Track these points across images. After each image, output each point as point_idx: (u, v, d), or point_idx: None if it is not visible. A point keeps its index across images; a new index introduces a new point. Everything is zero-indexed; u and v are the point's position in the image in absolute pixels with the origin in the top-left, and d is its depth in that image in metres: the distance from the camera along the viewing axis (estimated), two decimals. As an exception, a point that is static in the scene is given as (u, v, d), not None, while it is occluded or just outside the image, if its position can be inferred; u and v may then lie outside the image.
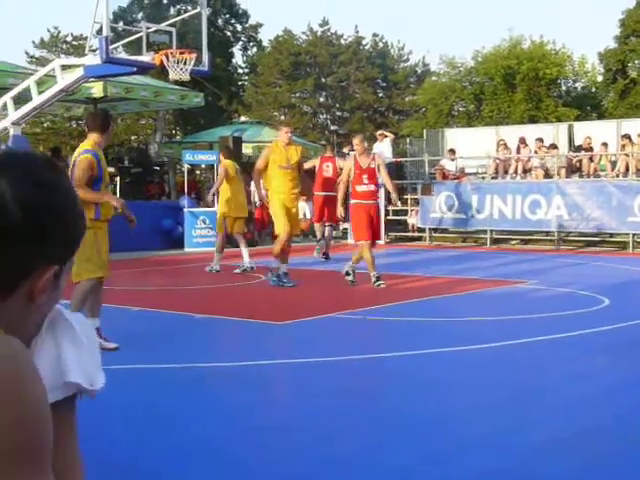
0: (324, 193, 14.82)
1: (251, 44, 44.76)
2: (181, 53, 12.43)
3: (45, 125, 35.79)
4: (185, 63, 12.31)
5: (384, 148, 20.40)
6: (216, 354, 6.40)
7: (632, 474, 3.72)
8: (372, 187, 10.86)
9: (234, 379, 5.65)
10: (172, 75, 12.37)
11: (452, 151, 20.82)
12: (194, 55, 12.54)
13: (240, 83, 45.58)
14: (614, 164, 18.81)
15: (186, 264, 14.55)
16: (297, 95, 48.09)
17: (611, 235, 18.08)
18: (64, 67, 14.29)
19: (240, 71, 46.12)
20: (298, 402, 5.08)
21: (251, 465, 3.84)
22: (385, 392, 5.33)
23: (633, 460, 3.88)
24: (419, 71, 49.67)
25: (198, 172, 22.43)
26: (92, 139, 6.44)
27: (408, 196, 21.48)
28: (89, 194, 6.18)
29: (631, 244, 17.19)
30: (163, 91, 19.09)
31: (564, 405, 4.92)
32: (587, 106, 42.07)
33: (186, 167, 19.11)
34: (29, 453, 1.01)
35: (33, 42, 41.39)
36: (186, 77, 12.42)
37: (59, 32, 41.81)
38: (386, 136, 21.39)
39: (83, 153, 6.33)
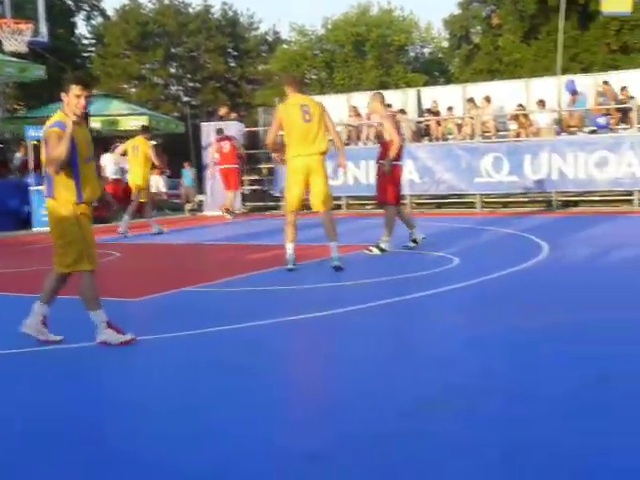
0: (226, 166, 19.26)
1: (95, 13, 43.26)
2: (16, 23, 11.83)
3: None
4: (21, 34, 11.72)
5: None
6: (72, 334, 6.14)
7: (493, 426, 3.81)
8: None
9: (95, 358, 5.45)
10: (7, 46, 11.78)
11: (305, 119, 20.87)
12: (30, 25, 11.97)
13: (86, 55, 44.05)
14: (461, 127, 19.35)
15: (35, 244, 13.98)
16: (147, 66, 47.00)
17: (460, 196, 18.66)
18: None
19: (85, 42, 44.56)
20: (162, 377, 4.95)
21: (95, 441, 3.70)
22: (248, 363, 5.26)
23: (490, 413, 3.98)
24: (270, 39, 49.52)
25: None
26: (62, 109, 5.72)
27: (262, 165, 21.45)
28: (58, 151, 5.48)
29: (479, 204, 17.81)
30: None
31: (425, 364, 5.00)
32: (435, 72, 43.21)
33: (30, 143, 18.30)
34: None
35: None
36: (23, 48, 11.86)
37: None
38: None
39: (50, 127, 5.63)
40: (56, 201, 5.71)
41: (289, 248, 9.28)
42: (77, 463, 3.54)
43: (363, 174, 18.49)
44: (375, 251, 10.46)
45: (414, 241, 10.84)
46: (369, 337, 5.82)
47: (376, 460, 3.43)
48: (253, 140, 21.92)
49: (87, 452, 3.66)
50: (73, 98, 5.64)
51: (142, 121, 20.99)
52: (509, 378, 4.60)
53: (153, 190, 22.05)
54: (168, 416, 4.15)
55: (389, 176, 10.60)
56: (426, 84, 33.37)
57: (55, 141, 5.56)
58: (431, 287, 7.58)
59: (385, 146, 10.56)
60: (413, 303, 6.99)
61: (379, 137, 10.76)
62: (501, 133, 19.23)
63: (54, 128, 5.63)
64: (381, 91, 12.03)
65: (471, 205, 18.22)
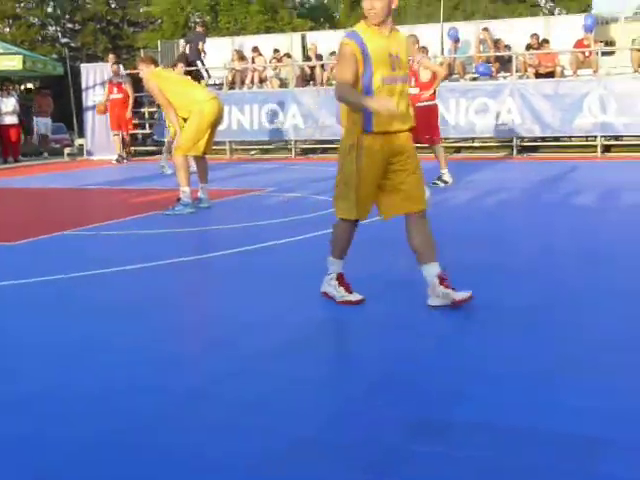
0: None
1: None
2: None
3: None
4: None
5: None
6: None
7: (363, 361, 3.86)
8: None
9: None
10: None
11: (188, 62, 20.47)
12: None
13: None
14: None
15: None
16: (22, 5, 44.89)
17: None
18: None
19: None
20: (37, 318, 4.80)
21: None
22: (128, 305, 5.17)
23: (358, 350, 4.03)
24: (152, -20, 48.00)
25: None
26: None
27: (145, 109, 20.98)
28: (350, 96, 4.50)
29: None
30: None
31: (306, 299, 5.02)
32: (321, 17, 43.02)
33: None
34: None
35: None
36: None
37: None
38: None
39: (344, 37, 4.58)
40: (345, 130, 4.75)
41: (187, 191, 9.19)
42: None
43: (247, 119, 18.30)
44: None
45: (444, 182, 11.11)
46: (257, 276, 5.81)
47: (254, 394, 3.43)
48: (136, 83, 21.32)
49: None
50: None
51: (16, 61, 20.11)
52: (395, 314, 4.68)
53: (42, 133, 21.45)
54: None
55: (431, 117, 10.89)
56: (312, 29, 33.20)
57: (344, 60, 4.52)
58: (303, 232, 7.60)
59: (423, 87, 10.73)
60: (296, 244, 7.00)
61: (416, 79, 10.72)
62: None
63: (345, 39, 4.55)
64: (415, 34, 11.79)
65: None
